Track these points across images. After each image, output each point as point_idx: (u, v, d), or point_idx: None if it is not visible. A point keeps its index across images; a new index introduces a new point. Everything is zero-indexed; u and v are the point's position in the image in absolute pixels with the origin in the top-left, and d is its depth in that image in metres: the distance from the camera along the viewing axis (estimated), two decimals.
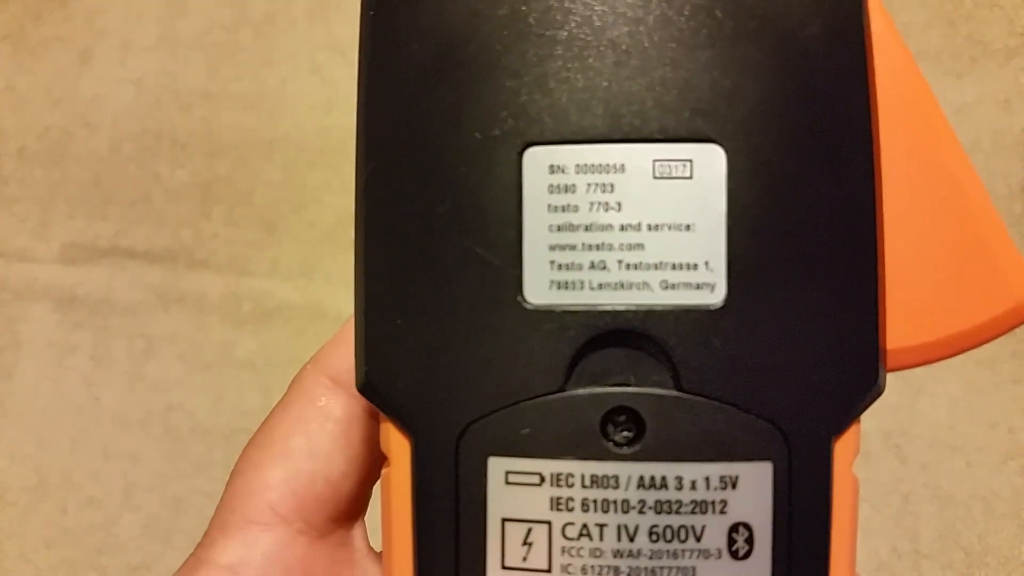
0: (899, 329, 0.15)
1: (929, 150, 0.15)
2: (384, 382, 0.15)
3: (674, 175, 0.15)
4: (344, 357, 0.18)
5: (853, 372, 0.15)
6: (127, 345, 0.51)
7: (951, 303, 0.15)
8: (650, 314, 0.14)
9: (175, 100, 0.55)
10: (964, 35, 0.50)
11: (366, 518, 0.20)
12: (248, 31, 0.56)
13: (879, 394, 0.15)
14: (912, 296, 0.15)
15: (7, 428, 0.51)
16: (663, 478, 0.14)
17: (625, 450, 0.14)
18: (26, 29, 0.58)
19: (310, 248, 0.51)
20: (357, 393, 0.17)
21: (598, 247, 0.15)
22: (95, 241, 0.53)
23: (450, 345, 0.15)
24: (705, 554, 0.14)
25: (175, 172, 0.54)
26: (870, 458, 0.45)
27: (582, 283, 0.15)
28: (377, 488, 0.18)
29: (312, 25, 0.56)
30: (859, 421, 0.15)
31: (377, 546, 0.19)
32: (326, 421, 0.18)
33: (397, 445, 0.15)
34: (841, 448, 0.15)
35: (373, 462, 0.19)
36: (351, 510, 0.19)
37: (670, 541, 0.14)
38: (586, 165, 0.15)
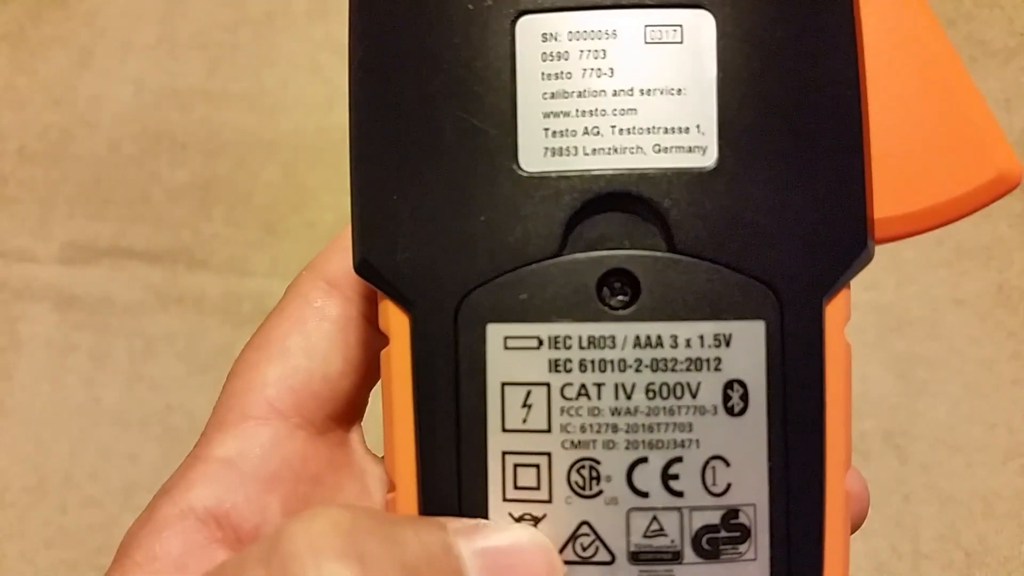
0: (886, 199, 0.16)
1: (911, 30, 0.16)
2: (381, 259, 0.15)
3: (665, 40, 0.15)
4: (340, 261, 0.19)
5: (842, 236, 0.15)
6: (127, 345, 0.51)
7: (935, 175, 0.16)
8: (643, 177, 0.15)
9: (175, 100, 0.55)
10: (964, 35, 0.50)
11: (364, 430, 0.20)
12: (248, 31, 0.56)
13: (868, 260, 0.15)
14: (898, 168, 0.16)
15: (7, 428, 0.51)
16: (658, 337, 0.15)
17: (621, 311, 0.15)
18: (26, 29, 0.58)
19: (310, 248, 0.51)
20: (352, 296, 0.18)
21: (591, 113, 0.15)
22: (95, 241, 0.53)
23: (446, 216, 0.15)
24: (701, 410, 0.15)
25: (175, 172, 0.54)
26: (870, 458, 0.45)
27: (576, 149, 0.15)
28: (374, 398, 0.19)
29: (312, 25, 0.56)
30: (849, 287, 0.15)
31: (375, 450, 0.20)
32: (322, 321, 0.18)
33: (396, 321, 0.15)
34: (832, 311, 0.15)
35: (369, 365, 0.19)
36: (348, 412, 0.19)
37: (666, 398, 0.15)
38: (578, 32, 0.15)
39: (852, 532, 0.17)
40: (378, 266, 0.15)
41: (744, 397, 0.15)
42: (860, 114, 0.15)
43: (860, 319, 0.47)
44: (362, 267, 0.16)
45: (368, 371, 0.19)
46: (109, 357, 0.51)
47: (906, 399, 0.46)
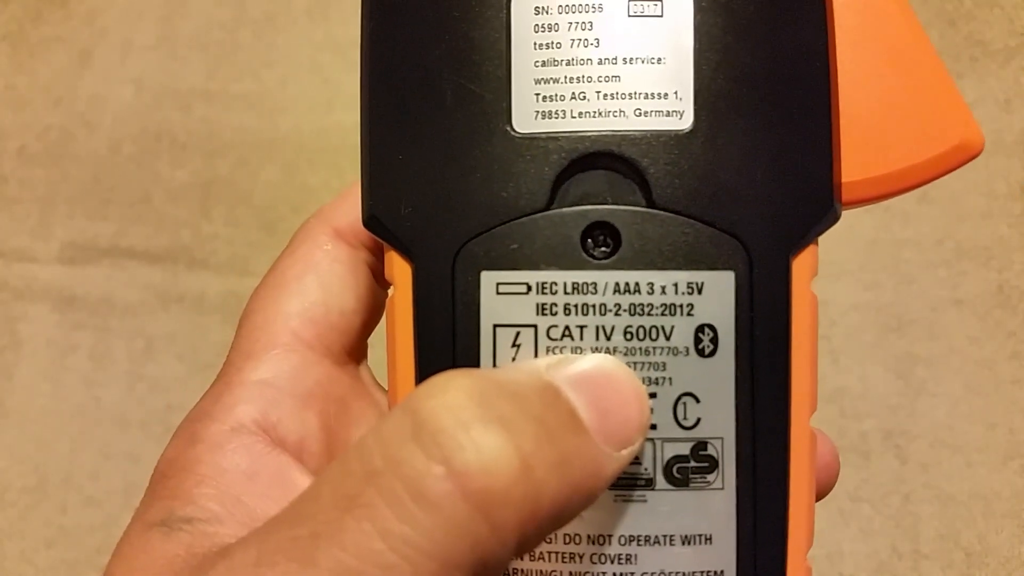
0: (853, 164, 0.17)
1: (880, 5, 0.17)
2: (387, 213, 0.17)
3: (647, 13, 0.16)
4: (347, 211, 0.20)
5: (809, 195, 0.16)
6: (127, 345, 0.51)
7: (900, 142, 0.17)
8: (625, 138, 0.16)
9: (175, 100, 0.55)
10: (964, 35, 0.50)
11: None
12: (248, 31, 0.56)
13: (835, 220, 0.16)
14: (865, 135, 0.17)
15: (7, 428, 0.51)
16: (636, 284, 0.16)
17: (603, 260, 0.16)
18: (26, 29, 0.58)
19: None
20: (359, 245, 0.20)
21: (579, 79, 0.16)
22: (95, 241, 0.53)
23: (446, 174, 0.16)
24: (674, 351, 0.16)
25: (175, 172, 0.54)
26: (870, 458, 0.45)
27: (564, 112, 0.16)
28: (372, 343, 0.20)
29: (312, 25, 0.56)
30: (816, 243, 0.16)
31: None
32: (334, 263, 0.19)
33: (400, 270, 0.17)
34: (799, 265, 0.16)
35: (372, 310, 0.20)
36: (358, 347, 0.20)
37: (643, 340, 0.16)
38: (568, 6, 0.16)
39: (819, 498, 0.18)
40: (384, 220, 0.17)
41: (714, 340, 0.16)
42: (828, 84, 0.16)
43: (860, 319, 0.47)
44: (370, 222, 0.17)
45: (371, 315, 0.20)
46: (109, 357, 0.51)
47: (906, 399, 0.46)
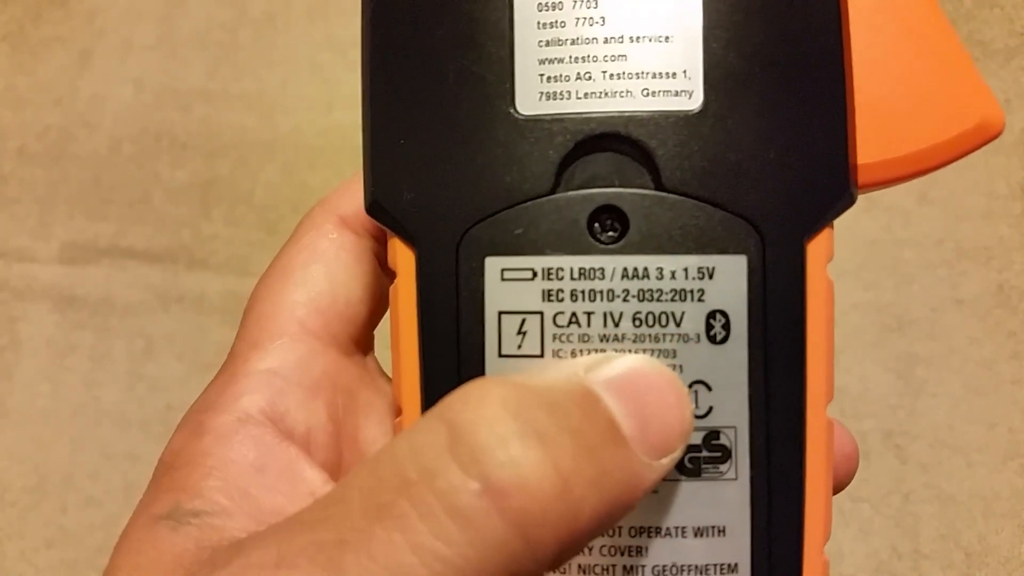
0: (870, 145, 0.16)
1: None
2: (390, 200, 0.16)
3: None
4: (352, 200, 0.19)
5: (823, 177, 0.16)
6: (127, 345, 0.51)
7: (918, 122, 0.16)
8: (632, 119, 0.16)
9: (175, 100, 0.55)
10: (964, 35, 0.50)
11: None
12: (248, 31, 0.56)
13: (850, 203, 0.16)
14: (882, 116, 0.16)
15: (7, 428, 0.51)
16: (645, 269, 0.16)
17: (610, 245, 0.16)
18: (26, 29, 0.58)
19: None
20: (364, 233, 0.19)
21: (584, 59, 0.16)
22: (95, 241, 0.53)
23: (449, 158, 0.16)
24: (685, 338, 0.15)
25: (175, 172, 0.54)
26: (870, 458, 0.45)
27: (569, 93, 0.16)
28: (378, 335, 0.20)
29: (312, 25, 0.56)
30: (832, 227, 0.16)
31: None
32: (340, 251, 0.19)
33: (403, 257, 0.16)
34: (814, 249, 0.16)
35: (379, 299, 0.20)
36: (365, 337, 0.20)
37: (652, 326, 0.15)
38: None
39: (837, 491, 0.18)
40: (387, 206, 0.16)
41: (726, 327, 0.15)
42: (842, 63, 0.16)
43: (860, 319, 0.47)
44: (373, 208, 0.17)
45: (378, 304, 0.20)
46: (109, 357, 0.51)
47: (906, 399, 0.46)
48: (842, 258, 0.49)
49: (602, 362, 0.14)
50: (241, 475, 0.16)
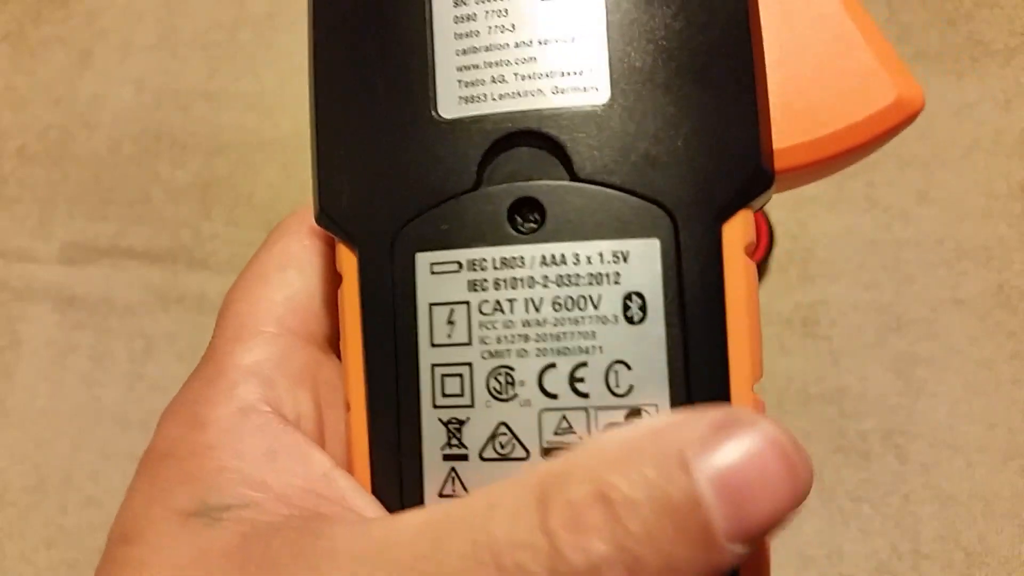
0: (786, 129, 0.17)
1: None
2: (333, 207, 0.17)
3: None
4: None
5: (734, 161, 0.16)
6: (127, 345, 0.51)
7: (835, 104, 0.17)
8: (543, 115, 0.17)
9: (175, 100, 0.55)
10: (964, 35, 0.50)
11: None
12: (248, 31, 0.56)
13: (767, 185, 0.16)
14: (799, 100, 0.17)
15: (7, 428, 0.51)
16: (562, 255, 0.16)
17: (529, 235, 0.16)
18: (26, 29, 0.58)
19: None
20: (333, 244, 0.19)
21: (497, 64, 0.17)
22: (95, 241, 0.53)
23: (380, 163, 0.17)
24: (603, 320, 0.16)
25: (175, 172, 0.54)
26: (870, 458, 0.45)
27: (485, 95, 0.17)
28: None
29: None
30: (750, 209, 0.17)
31: None
32: (314, 256, 0.20)
33: (347, 261, 0.17)
34: (730, 231, 0.16)
35: None
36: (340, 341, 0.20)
37: (571, 310, 0.16)
38: None
39: None
40: (332, 214, 0.17)
41: (642, 308, 0.16)
42: (750, 49, 0.16)
43: (860, 319, 0.47)
44: (320, 217, 0.18)
45: None
46: (109, 357, 0.51)
47: (906, 399, 0.45)
48: (842, 258, 0.49)
49: (718, 438, 0.13)
50: (256, 465, 0.16)
